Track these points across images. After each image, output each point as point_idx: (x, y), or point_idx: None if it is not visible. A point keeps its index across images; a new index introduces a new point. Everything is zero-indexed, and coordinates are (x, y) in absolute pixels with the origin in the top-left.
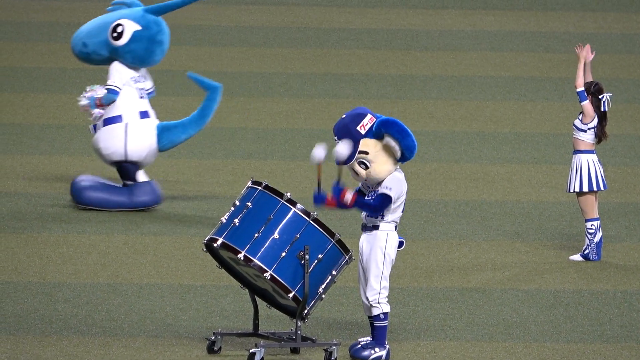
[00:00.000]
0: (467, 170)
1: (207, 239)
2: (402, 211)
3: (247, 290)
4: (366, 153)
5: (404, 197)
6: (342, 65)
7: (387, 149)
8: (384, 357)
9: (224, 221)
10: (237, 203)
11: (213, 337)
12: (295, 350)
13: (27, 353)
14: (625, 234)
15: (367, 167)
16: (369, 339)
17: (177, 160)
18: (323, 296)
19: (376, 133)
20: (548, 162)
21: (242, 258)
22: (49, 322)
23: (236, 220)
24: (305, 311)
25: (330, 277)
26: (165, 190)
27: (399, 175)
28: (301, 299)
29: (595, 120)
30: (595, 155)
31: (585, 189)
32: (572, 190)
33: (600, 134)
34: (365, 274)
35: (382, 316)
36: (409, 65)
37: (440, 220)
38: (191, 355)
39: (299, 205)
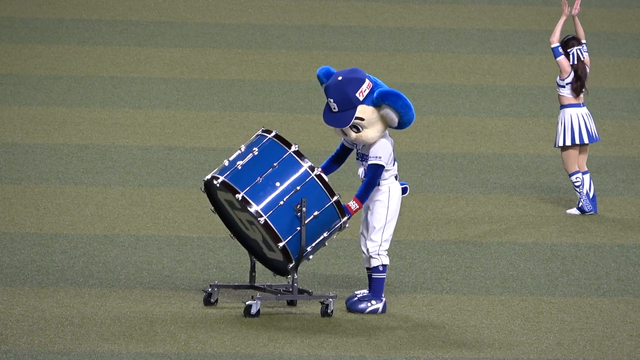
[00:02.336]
0: (464, 123)
1: (207, 177)
2: (395, 161)
3: (236, 241)
4: (362, 119)
5: (393, 153)
6: (340, 18)
7: (383, 118)
8: (380, 309)
9: (227, 163)
10: (243, 148)
11: (209, 289)
12: (292, 303)
13: (23, 304)
14: (622, 188)
15: (358, 131)
16: (366, 291)
17: (175, 111)
18: (310, 257)
19: (375, 102)
20: (546, 115)
21: (240, 199)
22: (46, 273)
23: (240, 163)
24: (291, 265)
25: (321, 237)
26: (162, 142)
27: (386, 140)
28: (290, 251)
29: (572, 75)
30: (581, 108)
31: (568, 142)
32: (556, 146)
33: (576, 87)
34: (368, 227)
35: (380, 268)
36: (407, 18)
37: (438, 173)
38: (188, 307)
39: (305, 159)
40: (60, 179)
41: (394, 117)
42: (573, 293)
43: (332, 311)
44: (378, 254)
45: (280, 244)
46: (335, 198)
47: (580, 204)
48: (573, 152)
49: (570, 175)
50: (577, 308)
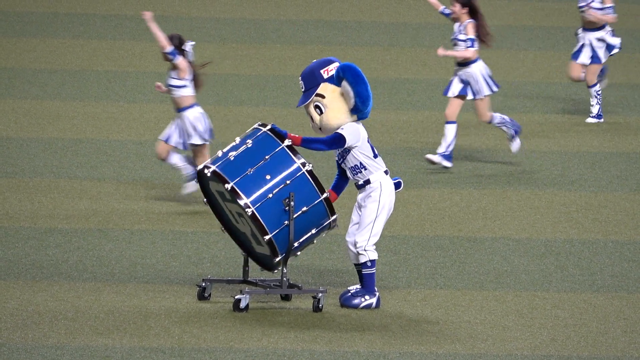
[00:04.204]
0: (459, 119)
1: (200, 166)
2: (377, 156)
3: (227, 234)
4: (322, 97)
5: (368, 144)
6: (334, 12)
7: (343, 97)
8: (374, 304)
9: (220, 154)
10: (238, 140)
11: (203, 284)
12: (286, 297)
13: (17, 298)
14: (616, 184)
15: (321, 112)
16: (359, 287)
17: (169, 105)
18: (298, 253)
19: (337, 79)
20: (540, 111)
21: (229, 189)
22: (40, 267)
23: (233, 154)
24: (277, 259)
25: (309, 234)
26: (157, 136)
27: (355, 124)
28: (276, 245)
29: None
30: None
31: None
32: (480, 96)
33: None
34: (359, 223)
35: (369, 263)
36: (402, 13)
37: (432, 168)
38: (182, 301)
39: (298, 155)
40: (55, 173)
41: (348, 90)
42: (567, 289)
43: (322, 306)
44: (365, 250)
45: (267, 237)
46: (325, 195)
47: (446, 151)
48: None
49: (490, 121)
50: (571, 304)
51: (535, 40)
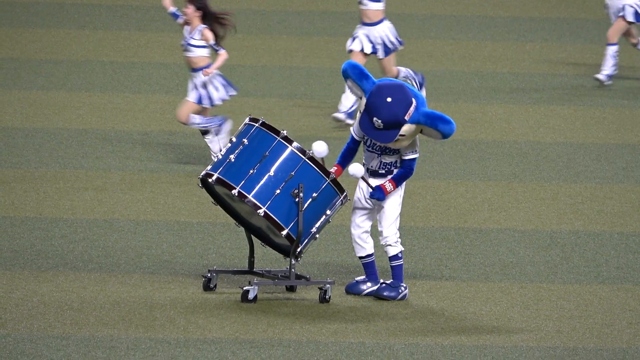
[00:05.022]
0: (464, 110)
1: (202, 174)
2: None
3: (242, 228)
4: (403, 136)
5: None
6: (340, 3)
7: (422, 133)
8: (407, 294)
9: (220, 157)
10: (234, 139)
11: (209, 275)
12: (291, 289)
13: (23, 288)
14: (622, 175)
15: (395, 142)
16: (364, 277)
17: (175, 96)
18: (317, 236)
19: (421, 121)
20: (546, 102)
21: (237, 194)
22: (45, 257)
23: (232, 156)
24: (299, 249)
25: (324, 216)
26: (162, 126)
27: (416, 138)
28: (294, 237)
29: None
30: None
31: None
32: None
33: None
34: (381, 217)
35: (400, 255)
36: (408, 4)
37: (438, 159)
38: (187, 292)
39: (295, 143)
40: (60, 164)
41: (436, 136)
42: (572, 280)
43: (329, 297)
44: (395, 242)
45: (284, 232)
46: (331, 176)
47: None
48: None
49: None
50: (576, 295)
51: (541, 31)
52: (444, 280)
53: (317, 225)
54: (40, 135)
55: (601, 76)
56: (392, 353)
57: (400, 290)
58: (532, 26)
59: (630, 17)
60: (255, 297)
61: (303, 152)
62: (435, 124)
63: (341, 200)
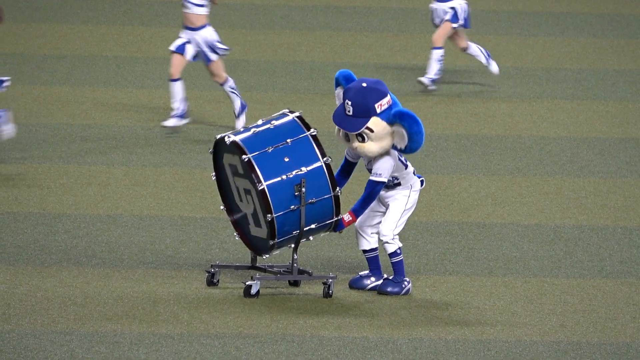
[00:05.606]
0: (468, 105)
1: (220, 135)
2: (407, 166)
3: (224, 213)
4: (372, 131)
5: (399, 161)
6: None
7: (392, 136)
8: (411, 289)
9: (242, 129)
10: (261, 121)
11: (212, 270)
12: (295, 284)
13: (26, 284)
14: (625, 170)
15: (363, 141)
16: (367, 272)
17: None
18: (292, 245)
19: (391, 119)
20: (549, 97)
21: (246, 160)
22: (49, 253)
23: (255, 130)
24: (272, 242)
25: (308, 228)
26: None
27: (390, 158)
28: (276, 226)
29: None
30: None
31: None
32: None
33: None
34: (382, 213)
35: (398, 251)
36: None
37: (441, 154)
38: (191, 287)
39: (321, 147)
40: (64, 159)
41: (404, 139)
42: (576, 275)
43: (332, 292)
44: (392, 240)
45: (270, 216)
46: (336, 192)
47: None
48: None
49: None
50: (580, 290)
51: (544, 26)
52: (448, 275)
53: (298, 231)
54: (44, 131)
55: (425, 80)
56: (395, 347)
57: (403, 286)
58: (536, 20)
59: (454, 21)
60: (258, 292)
61: (323, 155)
62: (408, 123)
63: (332, 222)
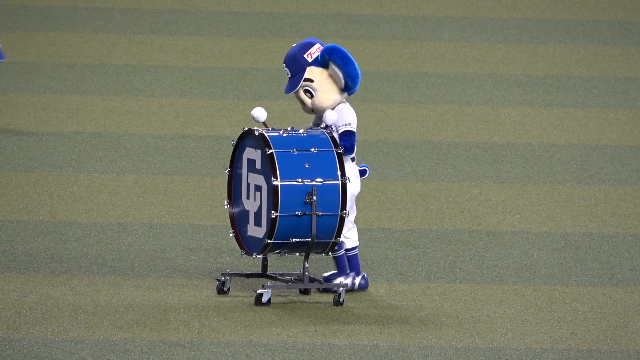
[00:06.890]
0: (478, 112)
1: (247, 128)
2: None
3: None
4: (311, 81)
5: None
6: (353, 6)
7: (332, 78)
8: (349, 284)
9: (271, 129)
10: (292, 127)
11: (222, 278)
12: (305, 292)
13: (37, 292)
14: (636, 177)
15: (312, 96)
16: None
17: (188, 100)
18: (285, 252)
19: (322, 61)
20: (559, 104)
21: (269, 153)
22: (59, 261)
23: (283, 132)
24: (268, 241)
25: (303, 239)
26: (176, 130)
27: (349, 107)
28: (277, 226)
29: None
30: None
31: None
32: None
33: None
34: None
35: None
36: (421, 6)
37: (451, 162)
38: (201, 295)
39: (344, 165)
40: (74, 167)
41: (337, 72)
42: (586, 282)
43: (343, 300)
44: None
45: (273, 215)
46: (344, 213)
47: None
48: None
49: None
50: (590, 298)
51: (554, 33)
52: (458, 283)
53: (295, 239)
54: (54, 139)
55: None
56: (406, 356)
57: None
58: (545, 28)
59: None
60: (269, 300)
61: (343, 174)
62: (331, 54)
63: (330, 243)
